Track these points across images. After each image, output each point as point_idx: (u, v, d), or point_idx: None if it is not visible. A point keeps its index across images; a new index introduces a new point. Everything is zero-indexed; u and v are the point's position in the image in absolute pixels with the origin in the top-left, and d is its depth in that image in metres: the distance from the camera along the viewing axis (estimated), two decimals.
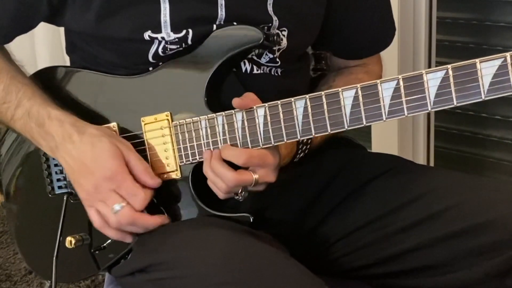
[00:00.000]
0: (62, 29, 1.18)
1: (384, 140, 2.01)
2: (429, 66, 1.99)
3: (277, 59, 1.10)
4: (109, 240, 1.10)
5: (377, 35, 1.25)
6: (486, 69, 0.86)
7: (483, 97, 0.86)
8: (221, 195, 1.01)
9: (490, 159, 2.06)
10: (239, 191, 0.99)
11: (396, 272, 1.06)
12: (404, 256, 1.04)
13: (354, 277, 1.11)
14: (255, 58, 1.08)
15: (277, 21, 1.07)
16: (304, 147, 1.08)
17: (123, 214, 1.00)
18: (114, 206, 1.00)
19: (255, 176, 0.98)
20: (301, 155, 1.09)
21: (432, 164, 2.10)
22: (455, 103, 0.88)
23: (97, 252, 1.13)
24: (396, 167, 1.13)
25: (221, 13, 1.03)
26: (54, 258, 1.11)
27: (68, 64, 1.20)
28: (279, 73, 1.11)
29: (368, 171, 1.13)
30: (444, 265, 1.01)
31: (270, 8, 1.06)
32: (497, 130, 2.02)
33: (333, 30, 1.20)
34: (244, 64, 1.08)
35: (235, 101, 0.98)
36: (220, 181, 0.98)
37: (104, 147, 1.01)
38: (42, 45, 2.51)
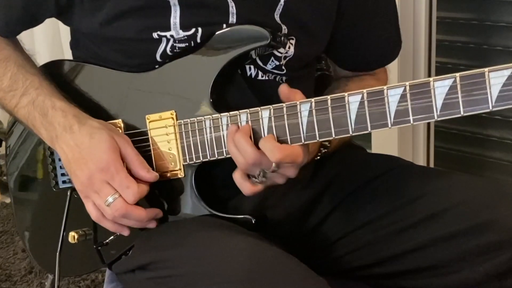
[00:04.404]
0: (62, 28, 1.18)
1: (384, 140, 2.01)
2: (429, 66, 1.99)
3: (283, 67, 1.10)
4: (112, 236, 1.11)
5: (386, 48, 1.25)
6: (495, 78, 0.83)
7: (490, 108, 0.84)
8: (245, 186, 0.98)
9: (490, 159, 2.06)
10: (258, 173, 0.97)
11: (396, 272, 1.06)
12: (404, 256, 1.04)
13: (354, 277, 1.11)
14: (260, 63, 1.08)
15: (286, 29, 1.07)
16: (324, 150, 1.07)
17: (115, 206, 1.00)
18: (108, 198, 1.00)
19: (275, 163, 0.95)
20: (318, 157, 1.08)
21: (432, 164, 2.11)
22: (462, 113, 0.86)
23: (99, 247, 1.13)
24: (396, 168, 1.13)
25: (232, 19, 1.04)
26: (58, 253, 1.11)
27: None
28: (284, 81, 1.11)
29: (368, 172, 1.13)
30: (444, 265, 1.01)
31: (277, 18, 1.06)
32: (497, 130, 2.02)
33: (343, 43, 1.19)
34: (250, 68, 1.08)
35: (283, 88, 0.96)
36: (240, 156, 0.97)
37: (102, 138, 1.01)
38: (42, 44, 2.51)
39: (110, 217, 1.01)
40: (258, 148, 0.95)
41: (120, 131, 1.08)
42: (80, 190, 1.04)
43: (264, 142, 0.96)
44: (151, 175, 1.02)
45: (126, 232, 1.06)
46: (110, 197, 1.00)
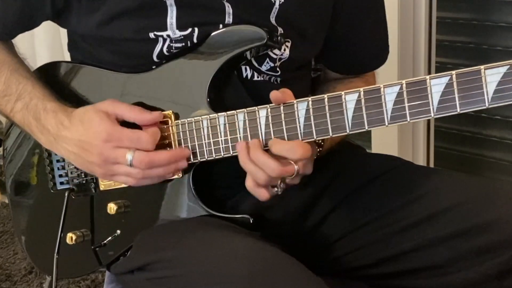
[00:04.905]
0: (62, 30, 1.18)
1: (384, 140, 2.01)
2: (429, 66, 1.99)
3: (278, 69, 1.10)
4: (109, 237, 1.11)
5: (377, 52, 1.26)
6: (491, 76, 0.84)
7: (487, 105, 0.85)
8: (261, 193, 0.97)
9: (490, 159, 2.06)
10: (278, 183, 0.97)
11: (396, 272, 1.06)
12: (404, 257, 1.04)
13: (354, 277, 1.11)
14: (256, 65, 1.08)
15: (281, 32, 1.07)
16: (319, 149, 1.07)
17: (137, 160, 0.98)
18: (126, 158, 0.98)
19: (296, 167, 0.95)
20: (314, 157, 1.08)
21: (432, 164, 2.11)
22: (458, 110, 0.86)
23: (97, 248, 1.13)
24: (395, 168, 1.13)
25: (228, 19, 1.04)
26: (55, 254, 1.11)
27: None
28: (279, 82, 1.11)
29: (368, 171, 1.13)
30: (444, 265, 1.01)
31: (273, 21, 1.06)
32: (497, 130, 2.02)
33: (335, 47, 1.20)
34: (246, 70, 1.08)
35: (274, 93, 0.96)
36: (261, 172, 0.95)
37: (91, 117, 1.00)
38: (42, 45, 2.51)
39: (140, 175, 1.00)
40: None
41: None
42: (103, 174, 1.02)
43: (279, 145, 0.95)
44: (154, 115, 1.01)
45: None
46: (128, 156, 0.98)
